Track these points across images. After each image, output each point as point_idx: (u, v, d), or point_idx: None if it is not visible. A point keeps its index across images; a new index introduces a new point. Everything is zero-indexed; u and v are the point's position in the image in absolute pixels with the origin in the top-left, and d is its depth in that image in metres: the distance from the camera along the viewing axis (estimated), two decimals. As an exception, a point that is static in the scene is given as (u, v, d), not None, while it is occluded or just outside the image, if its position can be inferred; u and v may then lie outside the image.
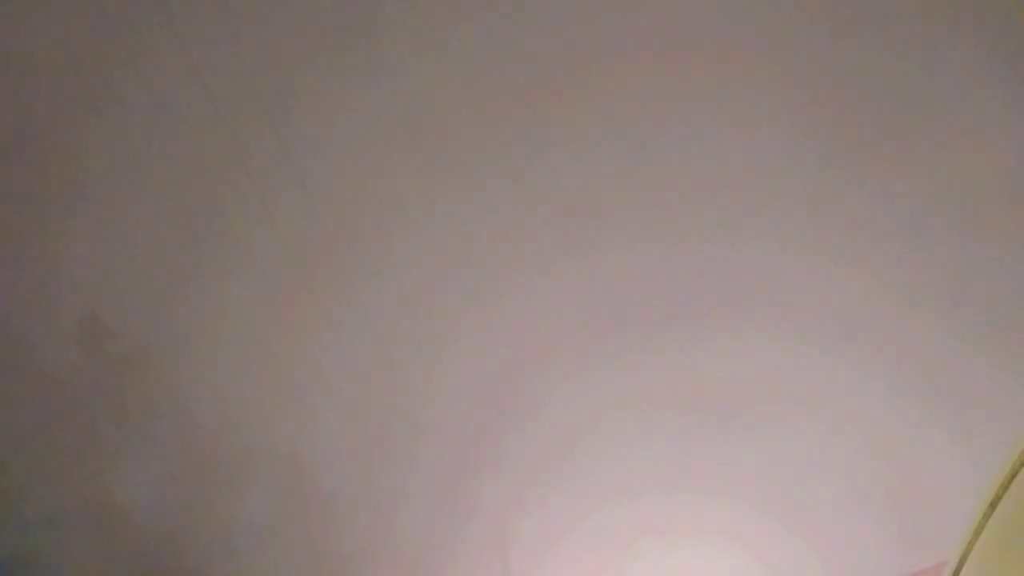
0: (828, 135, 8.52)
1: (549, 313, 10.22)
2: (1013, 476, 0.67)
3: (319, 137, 9.17)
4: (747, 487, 10.75)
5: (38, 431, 7.47)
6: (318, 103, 8.27)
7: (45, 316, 7.30)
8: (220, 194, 8.95)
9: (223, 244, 8.93)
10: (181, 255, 8.66)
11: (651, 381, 10.27)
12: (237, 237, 8.89)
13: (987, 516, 0.69)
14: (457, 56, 8.70)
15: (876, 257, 8.59)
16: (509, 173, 9.03)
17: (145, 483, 8.27)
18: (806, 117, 8.45)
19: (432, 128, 9.00)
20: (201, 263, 8.99)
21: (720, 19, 8.87)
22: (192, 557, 8.97)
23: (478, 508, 11.39)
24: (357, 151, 9.92)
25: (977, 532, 0.69)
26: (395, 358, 12.07)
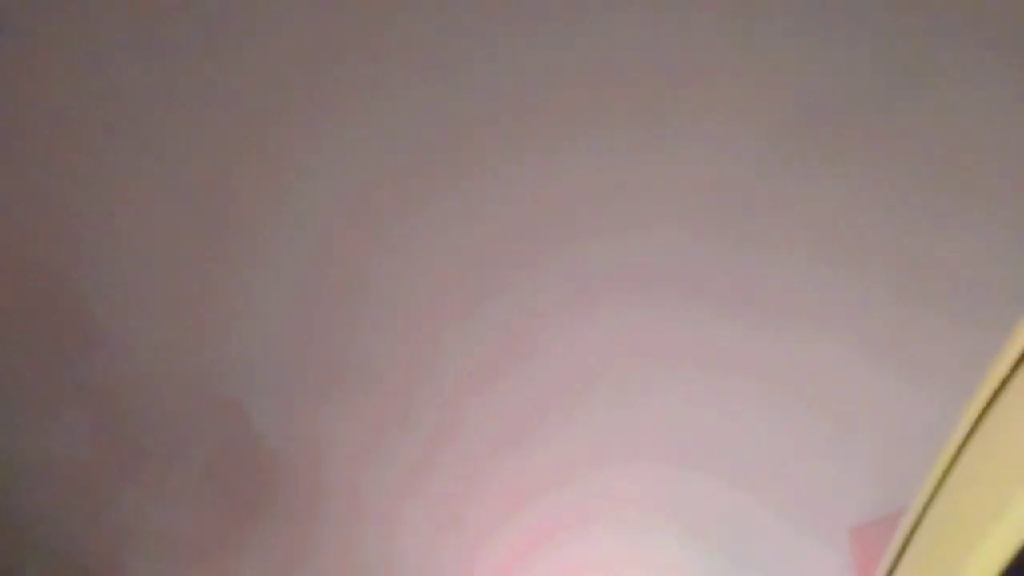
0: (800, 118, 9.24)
1: (538, 284, 10.65)
2: (987, 409, 0.65)
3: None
4: (711, 448, 11.13)
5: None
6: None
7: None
8: (137, 109, 8.66)
9: (152, 164, 8.65)
10: (111, 182, 8.37)
11: (615, 355, 10.89)
12: (162, 153, 8.61)
13: (959, 450, 0.66)
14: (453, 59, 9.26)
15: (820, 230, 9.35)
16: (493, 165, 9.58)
17: (74, 435, 8.07)
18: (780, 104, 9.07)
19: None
20: (132, 190, 8.71)
21: (704, 25, 9.46)
22: (127, 511, 8.85)
23: (433, 479, 11.59)
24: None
25: (947, 469, 0.68)
26: (349, 310, 12.04)
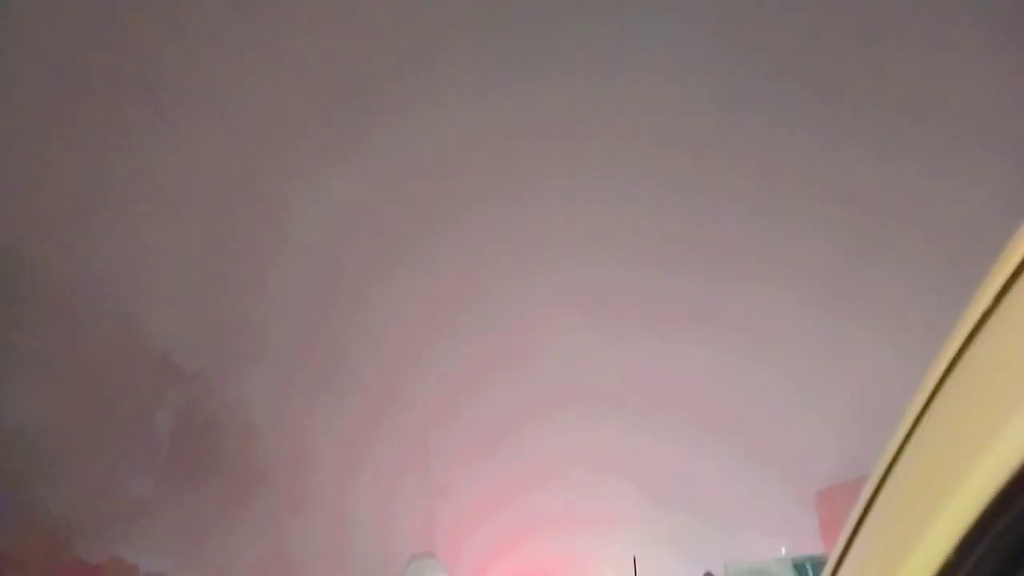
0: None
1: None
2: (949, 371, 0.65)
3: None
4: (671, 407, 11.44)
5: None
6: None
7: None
8: (93, 66, 8.48)
9: (100, 116, 8.51)
10: (55, 145, 8.18)
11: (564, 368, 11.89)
12: (115, 111, 8.48)
13: (922, 413, 0.68)
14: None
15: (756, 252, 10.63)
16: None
17: (40, 403, 7.95)
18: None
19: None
20: (82, 150, 8.54)
21: (602, 90, 11.27)
22: (94, 476, 8.74)
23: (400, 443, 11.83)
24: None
25: (914, 424, 0.68)
26: (343, 309, 12.06)
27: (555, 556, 10.99)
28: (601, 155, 10.74)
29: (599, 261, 11.10)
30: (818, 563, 7.88)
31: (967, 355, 0.62)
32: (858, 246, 10.91)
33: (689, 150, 10.42)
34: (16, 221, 7.07)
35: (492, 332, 11.33)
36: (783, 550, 9.48)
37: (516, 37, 10.72)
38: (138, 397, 8.80)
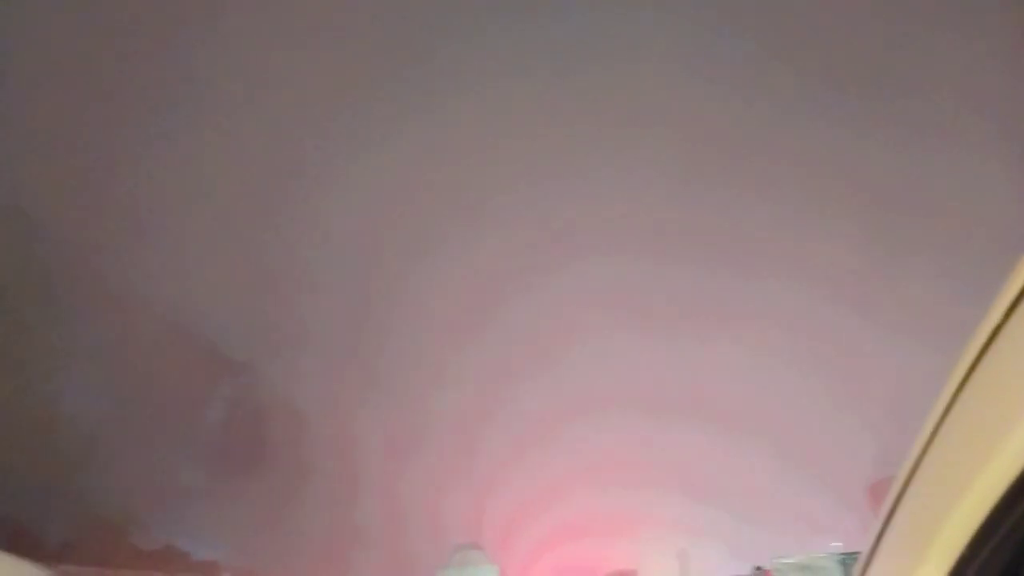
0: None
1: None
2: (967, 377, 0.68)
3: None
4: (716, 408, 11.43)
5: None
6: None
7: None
8: (139, 67, 8.71)
9: (149, 121, 8.73)
10: (106, 143, 8.42)
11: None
12: (158, 108, 8.70)
13: (946, 412, 0.70)
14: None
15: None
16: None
17: (93, 394, 8.19)
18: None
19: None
20: (131, 147, 8.77)
21: (623, 90, 11.57)
22: (147, 466, 8.98)
23: (441, 427, 11.96)
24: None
25: (935, 431, 0.71)
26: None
27: (603, 552, 11.01)
28: (632, 152, 10.76)
29: (637, 258, 11.18)
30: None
31: (981, 365, 0.64)
32: (889, 243, 10.86)
33: (720, 147, 10.41)
34: (70, 219, 7.26)
35: (531, 330, 11.51)
36: (835, 545, 9.37)
37: (552, 25, 10.71)
38: (189, 388, 9.01)
